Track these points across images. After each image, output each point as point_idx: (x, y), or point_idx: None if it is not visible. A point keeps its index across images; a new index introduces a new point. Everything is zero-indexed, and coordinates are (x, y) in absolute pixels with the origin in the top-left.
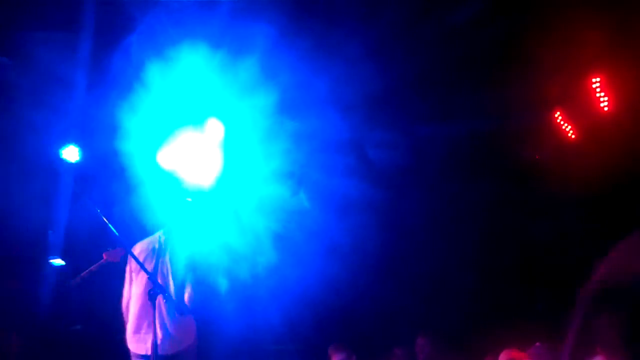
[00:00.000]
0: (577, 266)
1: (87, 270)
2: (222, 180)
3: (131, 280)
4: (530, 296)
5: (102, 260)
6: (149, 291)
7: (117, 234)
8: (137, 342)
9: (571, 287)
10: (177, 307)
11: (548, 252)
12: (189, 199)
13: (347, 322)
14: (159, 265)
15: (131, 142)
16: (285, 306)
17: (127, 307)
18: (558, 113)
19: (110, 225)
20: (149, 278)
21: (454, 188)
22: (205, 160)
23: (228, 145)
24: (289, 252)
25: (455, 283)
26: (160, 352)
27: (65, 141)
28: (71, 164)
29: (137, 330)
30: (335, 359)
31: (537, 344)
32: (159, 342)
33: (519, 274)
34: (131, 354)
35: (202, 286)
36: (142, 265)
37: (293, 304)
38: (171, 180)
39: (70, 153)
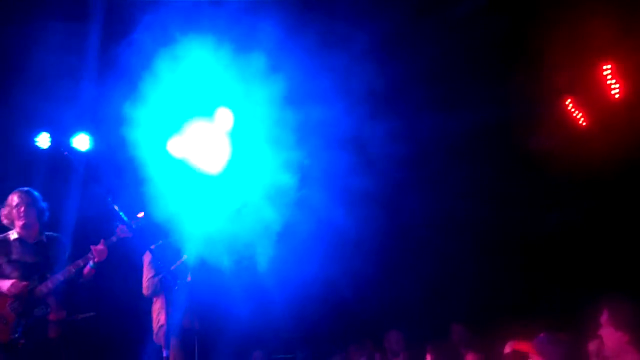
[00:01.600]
0: (585, 256)
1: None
2: (230, 168)
3: None
4: (538, 287)
5: (113, 238)
6: (160, 278)
7: (127, 220)
8: None
9: (579, 277)
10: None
11: (556, 242)
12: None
13: (352, 312)
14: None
15: (141, 131)
16: (292, 295)
17: None
18: (569, 101)
19: (121, 213)
20: (160, 268)
21: (463, 178)
22: (214, 148)
23: (236, 134)
24: (295, 241)
25: (461, 275)
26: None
27: (75, 130)
28: (82, 152)
29: None
30: None
31: (542, 334)
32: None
33: (527, 265)
34: None
35: (210, 274)
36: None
37: (299, 293)
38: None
39: (81, 141)
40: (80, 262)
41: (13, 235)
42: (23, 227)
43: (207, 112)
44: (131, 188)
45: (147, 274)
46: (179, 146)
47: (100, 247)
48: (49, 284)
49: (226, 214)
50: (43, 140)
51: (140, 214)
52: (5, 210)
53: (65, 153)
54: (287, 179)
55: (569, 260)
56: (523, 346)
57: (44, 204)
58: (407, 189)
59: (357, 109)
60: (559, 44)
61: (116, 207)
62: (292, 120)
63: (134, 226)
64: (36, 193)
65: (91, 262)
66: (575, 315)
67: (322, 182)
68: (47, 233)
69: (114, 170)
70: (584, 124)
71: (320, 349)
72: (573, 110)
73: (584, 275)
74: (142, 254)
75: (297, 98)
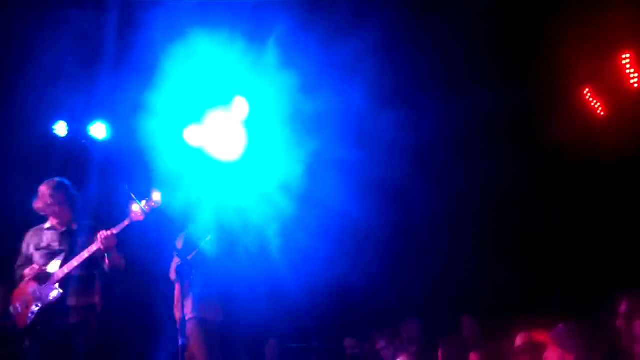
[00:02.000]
0: (600, 248)
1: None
2: (245, 157)
3: None
4: (551, 279)
5: (125, 221)
6: (177, 267)
7: (145, 210)
8: None
9: (591, 270)
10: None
11: (571, 233)
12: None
13: (364, 302)
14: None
15: (157, 120)
16: (305, 284)
17: None
18: (587, 90)
19: (137, 201)
20: (177, 255)
21: (477, 169)
22: (230, 136)
23: (250, 123)
24: (307, 231)
25: (472, 267)
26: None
27: (93, 118)
28: (99, 140)
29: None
30: (378, 346)
31: (560, 325)
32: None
33: (540, 256)
34: None
35: (225, 263)
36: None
37: (312, 283)
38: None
39: (98, 130)
40: (93, 247)
41: (47, 225)
42: (57, 223)
43: (223, 101)
44: (147, 176)
45: (175, 260)
46: (195, 134)
47: (107, 233)
48: (64, 269)
49: (240, 202)
50: (60, 129)
51: (156, 194)
52: (39, 204)
53: (83, 141)
54: (298, 170)
55: (582, 253)
56: (540, 336)
57: (75, 192)
58: (418, 180)
59: (369, 101)
60: (577, 32)
61: (132, 195)
62: (303, 111)
63: (146, 209)
64: (67, 182)
65: (103, 249)
66: (585, 308)
67: (334, 172)
68: (80, 221)
69: (131, 158)
70: (602, 113)
71: (334, 337)
72: (591, 99)
73: (597, 268)
74: (157, 239)
75: (307, 89)
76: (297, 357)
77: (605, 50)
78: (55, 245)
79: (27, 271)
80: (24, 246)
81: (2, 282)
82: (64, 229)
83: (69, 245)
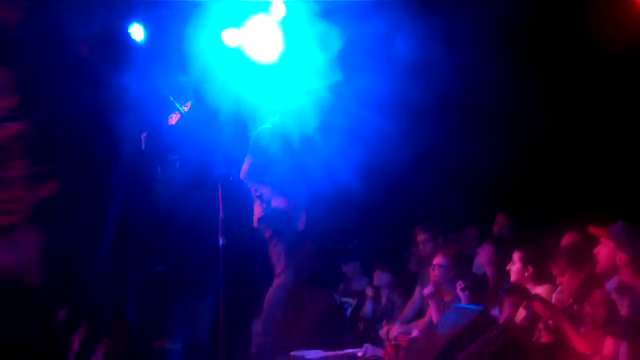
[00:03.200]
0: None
1: None
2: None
3: None
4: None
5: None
6: None
7: (183, 113)
8: None
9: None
10: None
11: (620, 141)
12: None
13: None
14: None
15: (195, 22)
16: (339, 185)
17: None
18: None
19: (177, 105)
20: None
21: (520, 66)
22: (268, 38)
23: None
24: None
25: (524, 171)
26: None
27: (130, 21)
28: (136, 42)
29: None
30: (419, 239)
31: (619, 222)
32: None
33: (590, 164)
34: None
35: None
36: None
37: (347, 183)
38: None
39: (136, 32)
40: None
41: None
42: None
43: (262, 7)
44: (184, 79)
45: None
46: (233, 36)
47: None
48: None
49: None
50: None
51: (188, 105)
52: None
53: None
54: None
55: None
56: (595, 230)
57: None
58: (456, 90)
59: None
60: None
61: (171, 98)
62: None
63: (183, 112)
64: None
65: None
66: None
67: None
68: None
69: (169, 61)
70: None
71: (372, 238)
72: None
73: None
74: (187, 143)
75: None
76: (335, 258)
77: None
78: None
79: None
80: None
81: None
82: None
83: None
